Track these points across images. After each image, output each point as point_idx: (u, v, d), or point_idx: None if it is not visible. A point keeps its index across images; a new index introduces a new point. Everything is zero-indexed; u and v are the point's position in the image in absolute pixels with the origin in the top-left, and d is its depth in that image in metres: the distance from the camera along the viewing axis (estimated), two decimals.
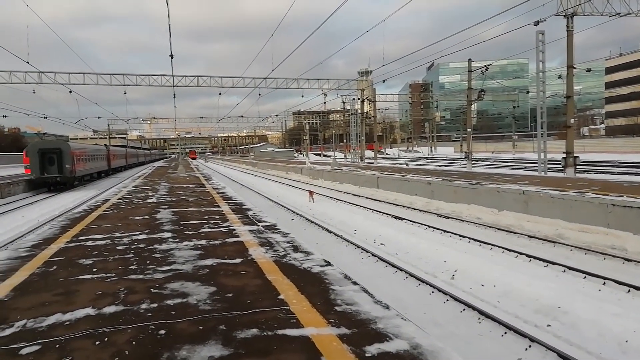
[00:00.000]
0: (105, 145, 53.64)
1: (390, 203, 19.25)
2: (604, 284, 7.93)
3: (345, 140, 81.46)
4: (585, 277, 8.31)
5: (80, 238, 8.42)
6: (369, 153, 57.65)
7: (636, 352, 5.49)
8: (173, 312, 4.38)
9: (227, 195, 16.18)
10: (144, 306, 4.58)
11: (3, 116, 48.38)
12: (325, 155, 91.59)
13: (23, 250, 7.49)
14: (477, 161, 44.95)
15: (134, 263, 6.37)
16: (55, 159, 30.52)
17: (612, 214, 11.15)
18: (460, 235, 12.02)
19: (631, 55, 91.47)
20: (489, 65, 33.15)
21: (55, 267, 6.26)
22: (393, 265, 9.49)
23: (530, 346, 5.75)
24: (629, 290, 7.53)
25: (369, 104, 52.63)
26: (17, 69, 36.70)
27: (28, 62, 28.40)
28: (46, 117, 49.19)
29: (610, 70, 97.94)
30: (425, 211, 16.67)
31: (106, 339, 3.80)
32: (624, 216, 10.87)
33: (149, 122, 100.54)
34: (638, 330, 5.84)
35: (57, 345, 3.69)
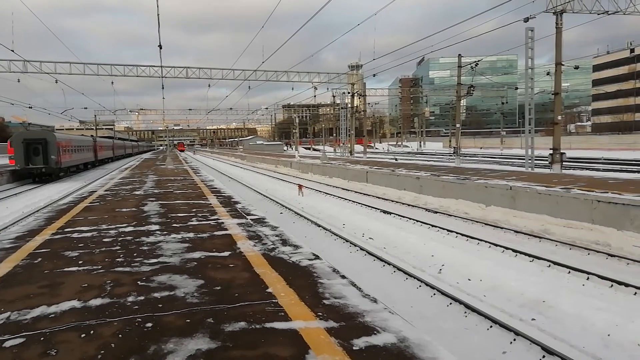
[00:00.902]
0: (91, 136, 52.94)
1: (379, 197, 19.32)
2: (588, 278, 8.06)
3: (334, 134, 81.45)
4: (569, 272, 8.43)
5: (65, 230, 8.32)
6: (358, 147, 57.70)
7: (618, 345, 5.60)
8: (160, 305, 4.35)
9: (216, 188, 16.10)
10: (130, 299, 4.54)
11: None
12: (314, 149, 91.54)
13: (7, 242, 7.39)
14: (465, 156, 45.27)
15: (121, 255, 6.32)
16: (41, 150, 30.06)
17: (597, 210, 11.32)
18: (448, 230, 12.11)
19: (618, 53, 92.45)
20: (478, 61, 33.27)
21: (40, 259, 6.18)
22: (381, 260, 9.54)
23: (515, 340, 5.83)
24: (612, 285, 7.66)
25: (359, 98, 52.59)
26: (1, 57, 36.01)
27: (13, 50, 27.81)
28: (31, 107, 48.25)
29: (597, 68, 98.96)
30: (413, 206, 16.76)
31: (92, 331, 3.77)
32: (609, 212, 11.03)
33: (136, 113, 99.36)
34: (620, 325, 5.95)
35: (42, 338, 3.65)
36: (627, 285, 7.52)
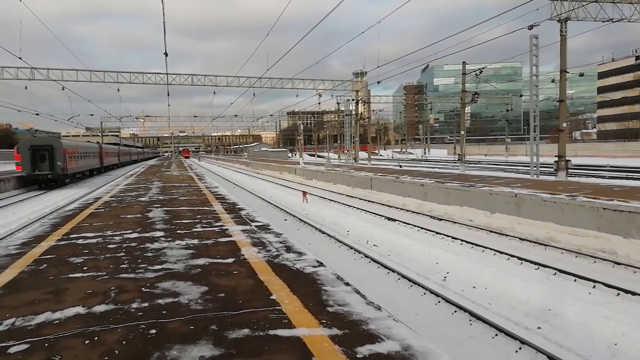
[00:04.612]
0: (97, 142, 53.28)
1: (383, 204, 19.28)
2: (594, 287, 7.99)
3: (339, 141, 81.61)
4: (575, 280, 8.37)
5: (71, 236, 8.36)
6: (362, 154, 57.74)
7: (625, 355, 5.54)
8: (164, 312, 4.35)
9: (220, 194, 16.13)
10: (134, 305, 4.55)
11: None
12: (319, 156, 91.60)
13: (13, 247, 7.42)
14: (470, 163, 45.16)
15: (125, 262, 6.33)
16: (47, 156, 30.27)
17: (603, 217, 11.24)
18: (453, 237, 12.06)
19: (623, 61, 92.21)
20: (483, 68, 33.36)
21: (45, 265, 6.21)
22: (385, 267, 9.50)
23: (520, 348, 5.78)
24: (619, 294, 7.60)
25: (364, 105, 52.69)
26: (9, 65, 36.45)
27: (20, 58, 28.12)
28: (38, 114, 48.81)
29: (602, 75, 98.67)
30: (418, 213, 16.71)
31: (96, 338, 3.77)
32: (614, 220, 10.96)
33: (142, 120, 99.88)
34: (627, 334, 5.89)
35: (46, 344, 3.66)
36: (634, 293, 7.45)
